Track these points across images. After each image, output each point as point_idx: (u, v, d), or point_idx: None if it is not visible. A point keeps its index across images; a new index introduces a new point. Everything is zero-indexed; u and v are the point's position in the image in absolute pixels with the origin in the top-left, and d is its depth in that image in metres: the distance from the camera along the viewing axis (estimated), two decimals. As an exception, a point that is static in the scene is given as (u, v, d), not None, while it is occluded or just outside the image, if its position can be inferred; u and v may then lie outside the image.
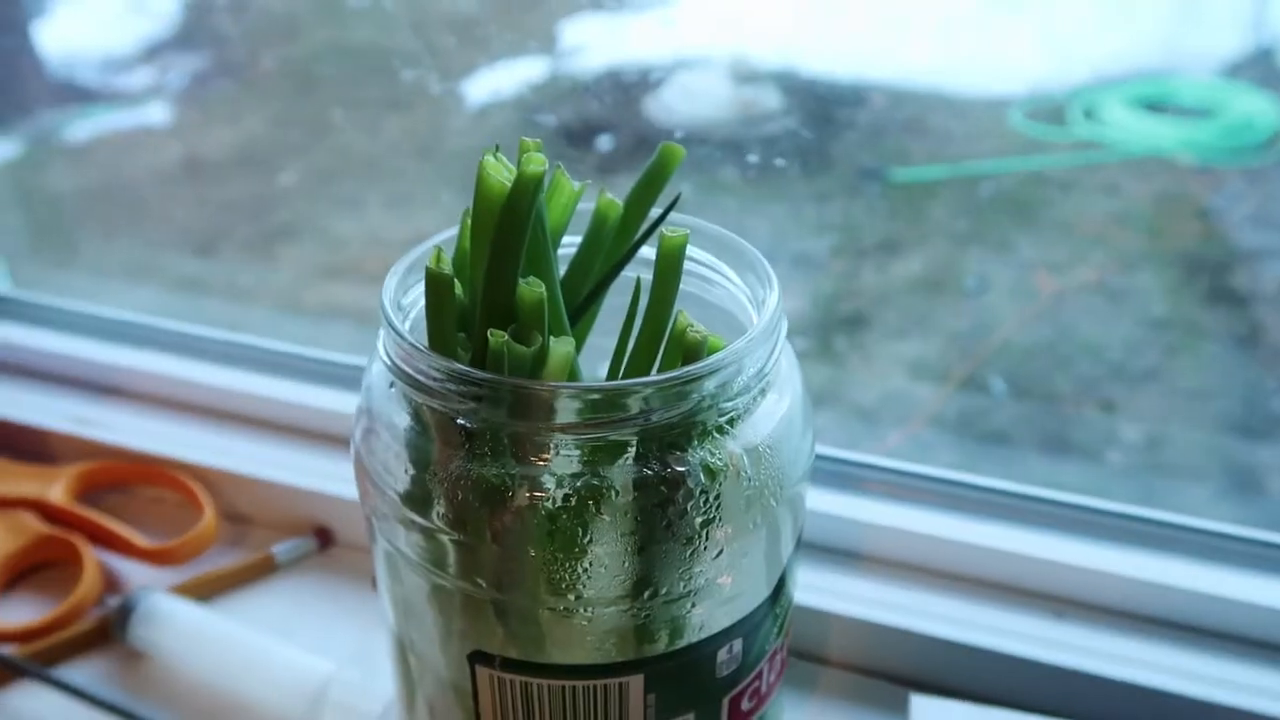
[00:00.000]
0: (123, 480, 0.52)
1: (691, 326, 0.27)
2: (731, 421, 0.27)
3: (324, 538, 0.49)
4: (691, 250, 0.31)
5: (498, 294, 0.27)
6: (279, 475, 0.49)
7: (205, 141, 1.07)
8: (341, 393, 0.52)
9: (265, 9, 0.98)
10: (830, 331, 0.96)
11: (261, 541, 0.49)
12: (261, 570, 0.47)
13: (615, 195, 0.30)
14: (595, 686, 0.28)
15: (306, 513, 0.49)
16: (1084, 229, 1.06)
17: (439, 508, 0.27)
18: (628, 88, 1.00)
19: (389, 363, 0.28)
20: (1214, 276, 1.00)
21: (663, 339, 0.29)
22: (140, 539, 0.47)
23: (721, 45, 0.96)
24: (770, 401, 0.29)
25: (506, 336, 0.26)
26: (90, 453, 0.52)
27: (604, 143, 0.97)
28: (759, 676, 0.31)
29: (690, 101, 0.95)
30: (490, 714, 0.30)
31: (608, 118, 1.01)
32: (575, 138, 0.99)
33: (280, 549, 0.48)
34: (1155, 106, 1.12)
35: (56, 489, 0.49)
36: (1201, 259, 1.02)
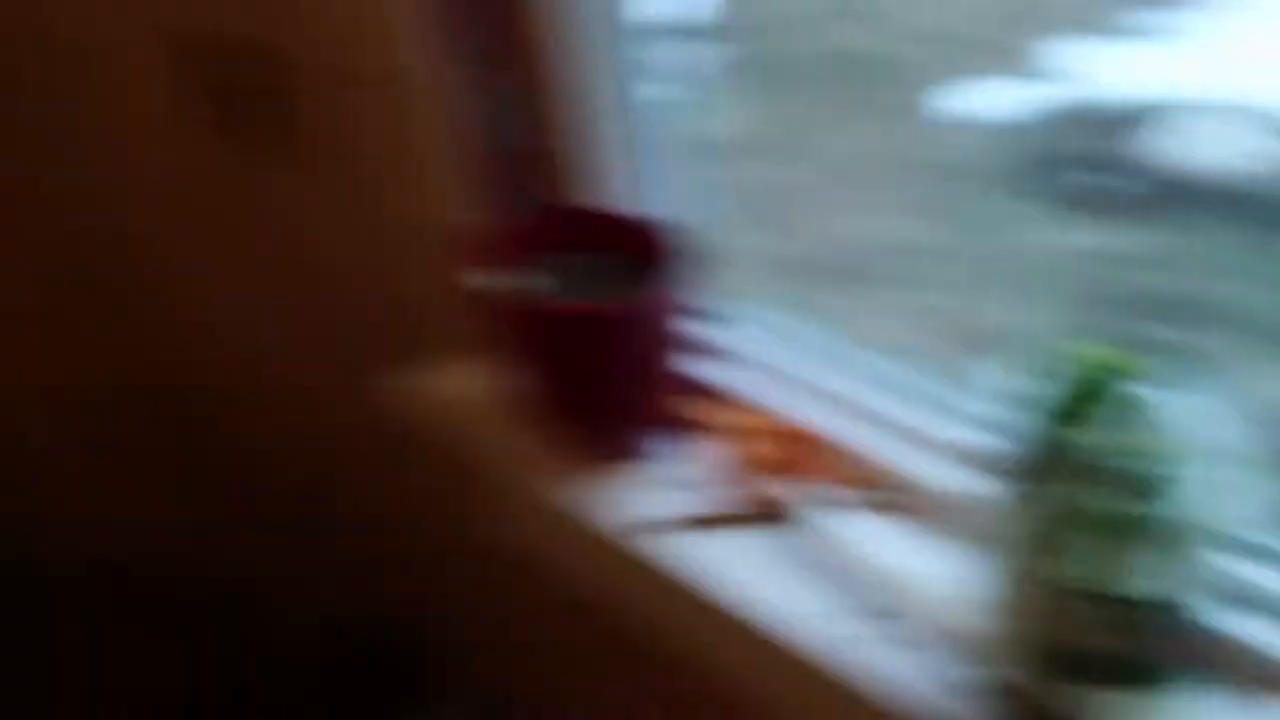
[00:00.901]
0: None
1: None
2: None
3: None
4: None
5: None
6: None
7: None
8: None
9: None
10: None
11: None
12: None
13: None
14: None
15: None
16: None
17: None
18: (1125, 121, 0.97)
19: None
20: None
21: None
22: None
23: (1246, 86, 0.91)
24: None
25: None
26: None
27: (1092, 179, 0.96)
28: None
29: (1203, 147, 0.92)
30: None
31: (1101, 152, 0.99)
32: (1063, 167, 0.98)
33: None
34: None
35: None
36: None
